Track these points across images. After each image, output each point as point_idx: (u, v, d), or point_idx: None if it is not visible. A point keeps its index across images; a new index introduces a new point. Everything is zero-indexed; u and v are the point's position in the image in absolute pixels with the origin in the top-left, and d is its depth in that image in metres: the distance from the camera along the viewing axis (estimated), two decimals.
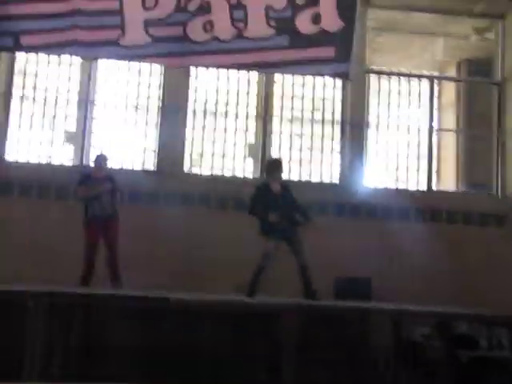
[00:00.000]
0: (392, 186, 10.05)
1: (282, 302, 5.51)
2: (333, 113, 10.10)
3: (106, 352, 5.64)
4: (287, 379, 4.93)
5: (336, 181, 9.85)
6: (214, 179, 9.44)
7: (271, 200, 7.20)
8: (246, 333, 5.73)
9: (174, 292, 6.32)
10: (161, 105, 9.60)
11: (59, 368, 5.60)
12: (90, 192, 7.61)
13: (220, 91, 9.94)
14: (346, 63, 7.57)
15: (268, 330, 5.46)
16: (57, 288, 5.65)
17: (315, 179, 9.84)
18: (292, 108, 10.08)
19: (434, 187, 10.08)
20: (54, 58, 9.61)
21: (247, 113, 9.94)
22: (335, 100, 10.13)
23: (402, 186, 10.11)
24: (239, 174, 9.74)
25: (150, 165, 9.51)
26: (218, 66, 8.43)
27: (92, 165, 8.21)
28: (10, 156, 9.30)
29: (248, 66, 8.09)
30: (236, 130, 9.89)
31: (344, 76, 8.00)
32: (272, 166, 7.59)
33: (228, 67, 8.54)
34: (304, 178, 9.81)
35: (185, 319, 5.69)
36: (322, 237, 8.31)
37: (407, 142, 10.28)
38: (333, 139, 10.03)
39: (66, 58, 9.55)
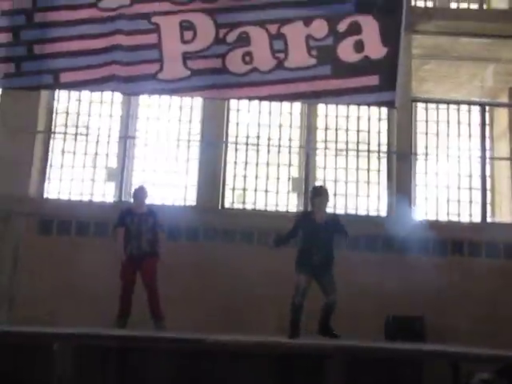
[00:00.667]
0: (443, 218, 9.57)
1: (325, 343, 5.13)
2: (378, 144, 9.78)
3: None
4: None
5: (383, 214, 9.44)
6: (256, 214, 9.16)
7: (311, 229, 6.87)
8: (287, 376, 5.36)
9: (213, 332, 6.01)
10: (201, 139, 9.45)
11: None
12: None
13: (262, 124, 9.76)
14: (391, 91, 7.20)
15: (311, 374, 5.08)
16: (89, 330, 5.40)
17: (362, 213, 9.47)
18: (336, 140, 9.81)
19: (488, 219, 9.57)
20: (95, 96, 9.63)
21: (290, 146, 9.70)
22: (381, 132, 9.82)
23: (453, 219, 9.62)
24: (282, 209, 9.45)
25: (192, 201, 9.31)
26: (259, 98, 8.13)
27: (132, 200, 8.02)
28: (51, 194, 9.26)
29: (289, 97, 7.75)
30: (279, 164, 9.65)
31: (389, 105, 7.56)
32: (313, 193, 7.29)
33: (269, 99, 8.27)
34: (350, 212, 9.44)
35: (223, 361, 5.36)
36: (370, 273, 7.91)
37: (458, 174, 9.83)
38: (379, 171, 9.68)
39: (107, 96, 9.57)
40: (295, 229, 7.04)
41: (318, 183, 9.54)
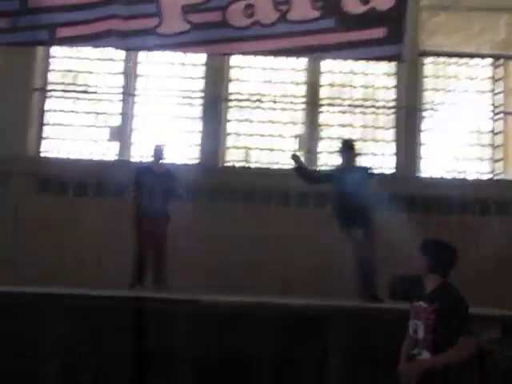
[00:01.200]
0: (451, 176, 9.34)
1: (327, 303, 4.99)
2: (385, 101, 9.52)
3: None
4: None
5: (391, 172, 9.23)
6: (260, 172, 8.98)
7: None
8: (290, 337, 5.26)
9: (225, 294, 5.88)
10: (203, 97, 9.21)
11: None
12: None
13: (265, 81, 9.49)
14: (399, 44, 6.96)
15: (314, 335, 4.97)
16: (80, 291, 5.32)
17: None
18: (342, 97, 9.54)
19: (498, 176, 9.34)
20: (96, 54, 9.37)
21: (294, 103, 9.47)
22: (388, 87, 9.54)
23: (461, 176, 9.39)
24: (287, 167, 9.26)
25: (194, 159, 9.13)
26: (262, 53, 7.89)
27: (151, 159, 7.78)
28: (51, 154, 9.10)
29: (293, 52, 7.51)
30: (283, 122, 9.43)
31: (397, 58, 7.37)
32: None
33: (272, 54, 8.00)
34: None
35: (231, 323, 5.25)
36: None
37: (467, 129, 9.56)
38: (386, 128, 9.44)
39: (108, 53, 9.32)
40: (326, 175, 6.82)
41: (322, 141, 9.36)
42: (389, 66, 9.46)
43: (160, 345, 4.96)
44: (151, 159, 7.72)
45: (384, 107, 9.50)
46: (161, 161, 7.56)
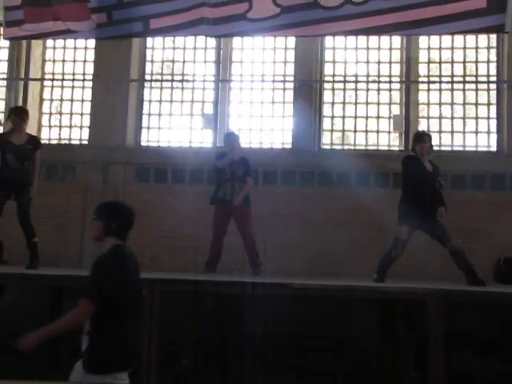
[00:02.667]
0: None
1: (427, 287, 4.82)
2: (487, 76, 9.04)
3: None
4: (433, 371, 4.28)
5: (493, 149, 8.78)
6: (355, 154, 8.78)
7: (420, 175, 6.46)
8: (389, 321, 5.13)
9: (311, 278, 5.85)
10: (295, 81, 9.13)
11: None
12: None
13: (359, 62, 9.27)
14: (501, 14, 6.51)
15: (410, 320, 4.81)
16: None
17: (470, 149, 8.85)
18: (440, 74, 9.16)
19: None
20: (189, 42, 9.52)
21: (390, 82, 9.19)
22: (490, 61, 9.05)
23: None
24: (383, 148, 9.02)
25: (288, 144, 9.08)
26: (354, 33, 7.67)
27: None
28: (148, 143, 9.34)
29: (387, 29, 7.18)
30: (379, 102, 9.18)
31: (499, 29, 6.86)
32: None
33: (365, 33, 7.72)
34: (457, 149, 8.85)
35: (321, 306, 5.21)
36: (479, 213, 7.40)
37: None
38: (489, 105, 8.97)
39: (201, 41, 9.44)
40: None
41: (420, 121, 9.04)
42: (490, 38, 8.96)
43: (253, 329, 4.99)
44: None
45: (486, 82, 9.02)
46: (234, 147, 7.51)
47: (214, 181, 7.67)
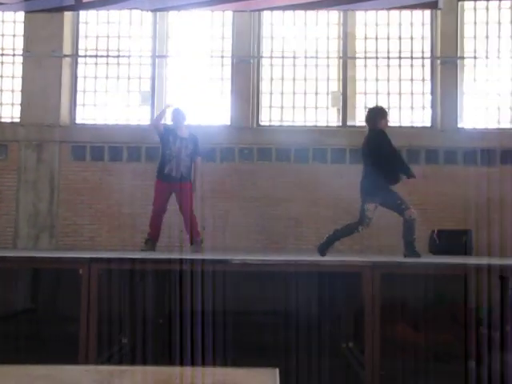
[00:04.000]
0: (493, 126, 9.01)
1: (362, 259, 4.92)
2: (422, 52, 9.20)
3: None
4: (370, 342, 4.38)
5: (428, 124, 8.98)
6: (294, 130, 8.83)
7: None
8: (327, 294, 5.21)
9: (250, 254, 5.87)
10: (232, 56, 9.07)
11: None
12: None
13: (297, 37, 9.27)
14: None
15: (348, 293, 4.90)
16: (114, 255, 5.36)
17: (405, 124, 9.02)
18: (377, 50, 9.27)
19: None
20: (124, 17, 9.30)
21: (328, 58, 9.23)
22: (424, 38, 9.21)
23: (504, 127, 9.05)
24: (322, 124, 9.08)
25: (226, 120, 9.03)
26: (292, 8, 7.62)
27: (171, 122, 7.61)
28: (84, 121, 9.13)
29: (325, 4, 7.17)
30: (317, 78, 9.22)
31: (433, 6, 6.94)
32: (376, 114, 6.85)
33: (303, 8, 7.71)
34: (393, 124, 9.00)
35: (260, 282, 5.24)
36: (415, 185, 7.54)
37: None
38: (423, 81, 9.15)
39: (136, 16, 9.24)
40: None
41: (357, 97, 9.13)
42: (425, 14, 9.11)
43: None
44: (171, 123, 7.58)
45: (421, 58, 9.18)
46: (181, 124, 7.41)
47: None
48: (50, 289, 7.07)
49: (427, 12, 8.96)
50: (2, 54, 9.19)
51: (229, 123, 8.93)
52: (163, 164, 7.24)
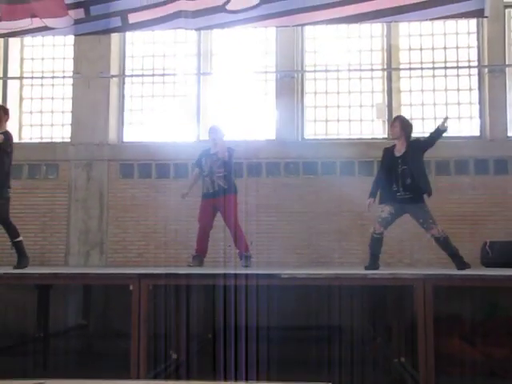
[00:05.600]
0: None
1: (413, 272, 4.83)
2: (468, 61, 9.06)
3: None
4: (423, 356, 4.29)
5: (477, 134, 8.82)
6: (339, 144, 8.79)
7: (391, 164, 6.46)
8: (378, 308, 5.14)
9: (298, 269, 5.84)
10: (277, 72, 9.10)
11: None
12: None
13: (340, 51, 9.26)
14: None
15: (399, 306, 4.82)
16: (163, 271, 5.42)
17: (452, 135, 8.87)
18: (421, 61, 9.17)
19: None
20: (168, 36, 9.45)
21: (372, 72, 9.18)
22: (470, 47, 9.07)
23: None
24: (367, 137, 9.02)
25: (271, 135, 9.06)
26: (335, 22, 7.62)
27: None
28: (131, 138, 9.29)
29: (368, 17, 7.14)
30: (361, 91, 9.18)
31: (479, 14, 6.82)
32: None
33: (346, 21, 7.68)
34: None
35: (310, 296, 5.21)
36: (464, 196, 7.44)
37: None
38: (470, 90, 9.00)
39: (181, 35, 9.38)
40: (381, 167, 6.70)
41: (403, 108, 9.05)
42: (470, 23, 8.98)
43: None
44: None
45: (467, 67, 9.04)
46: (216, 141, 7.40)
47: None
48: (101, 305, 7.19)
49: (473, 20, 8.83)
50: (54, 77, 9.46)
51: (274, 138, 8.96)
52: (202, 184, 7.33)
